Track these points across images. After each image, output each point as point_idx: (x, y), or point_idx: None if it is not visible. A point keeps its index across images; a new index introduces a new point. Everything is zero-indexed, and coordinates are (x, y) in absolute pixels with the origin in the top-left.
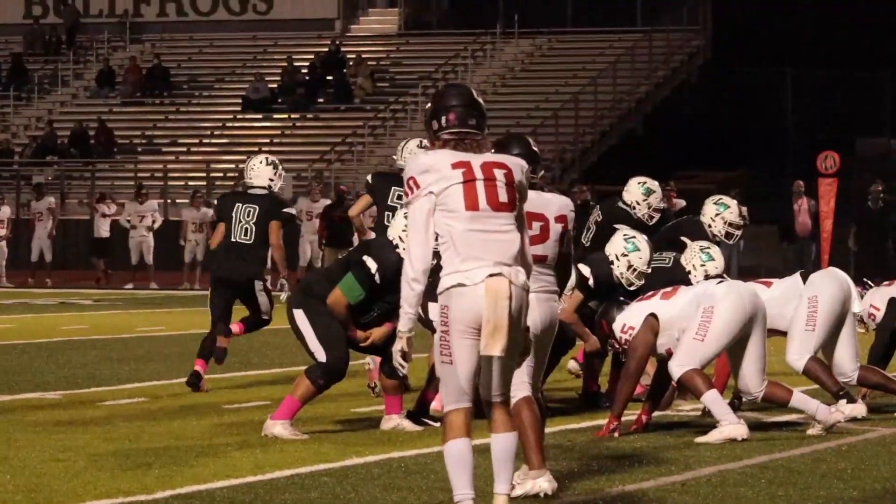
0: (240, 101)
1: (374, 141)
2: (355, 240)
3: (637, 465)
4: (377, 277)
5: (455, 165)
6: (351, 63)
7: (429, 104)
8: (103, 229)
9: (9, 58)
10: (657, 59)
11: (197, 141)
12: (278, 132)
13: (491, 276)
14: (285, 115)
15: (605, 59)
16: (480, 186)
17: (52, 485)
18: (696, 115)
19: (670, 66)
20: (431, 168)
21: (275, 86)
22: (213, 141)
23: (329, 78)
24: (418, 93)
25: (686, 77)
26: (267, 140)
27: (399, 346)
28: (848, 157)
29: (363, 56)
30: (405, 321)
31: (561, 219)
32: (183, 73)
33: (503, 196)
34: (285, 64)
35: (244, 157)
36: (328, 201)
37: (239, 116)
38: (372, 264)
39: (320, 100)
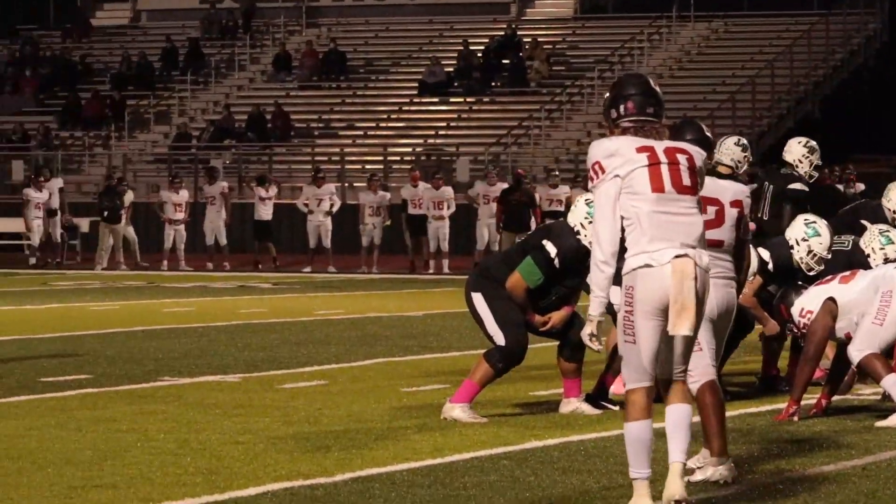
0: (416, 84)
1: (550, 125)
2: (533, 224)
3: (817, 450)
4: (556, 261)
5: (640, 149)
6: (527, 47)
7: (607, 94)
8: (264, 212)
9: (186, 42)
10: (834, 43)
11: (374, 124)
12: (455, 116)
13: (677, 256)
14: (461, 99)
15: (781, 43)
16: (665, 169)
17: (232, 467)
18: (874, 99)
19: (847, 49)
20: (616, 152)
21: (451, 69)
22: (391, 125)
23: (505, 62)
24: (594, 76)
25: (863, 60)
26: (444, 124)
27: (589, 329)
28: None
29: (538, 40)
30: (595, 304)
31: (736, 203)
32: (359, 57)
33: (686, 179)
34: (461, 48)
35: (421, 141)
36: (505, 185)
37: (416, 100)
38: (551, 248)
39: (496, 83)
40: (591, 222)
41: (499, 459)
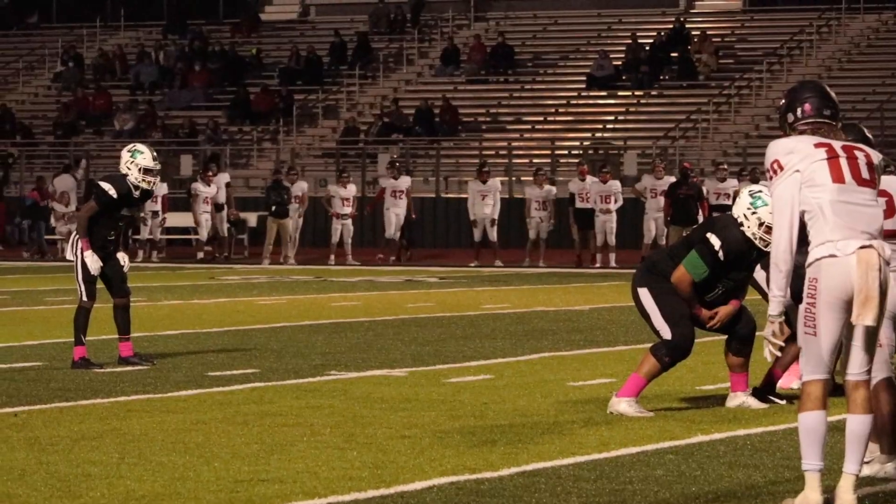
0: (584, 78)
1: (718, 118)
2: (700, 217)
3: None
4: (721, 254)
5: (818, 145)
6: (695, 40)
7: (782, 100)
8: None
9: (354, 36)
10: None
11: (542, 119)
12: (623, 109)
13: (862, 248)
14: (629, 93)
15: None
16: (844, 162)
17: (398, 461)
18: None
19: None
20: (795, 149)
21: (619, 63)
22: (558, 118)
23: (673, 55)
24: (762, 69)
25: None
26: (611, 118)
27: (770, 329)
28: None
29: (707, 33)
30: (774, 305)
31: None
32: (527, 51)
33: (865, 173)
34: (629, 41)
35: (589, 135)
36: (672, 179)
37: (583, 94)
38: (715, 241)
39: (664, 77)
40: (753, 213)
41: (664, 454)
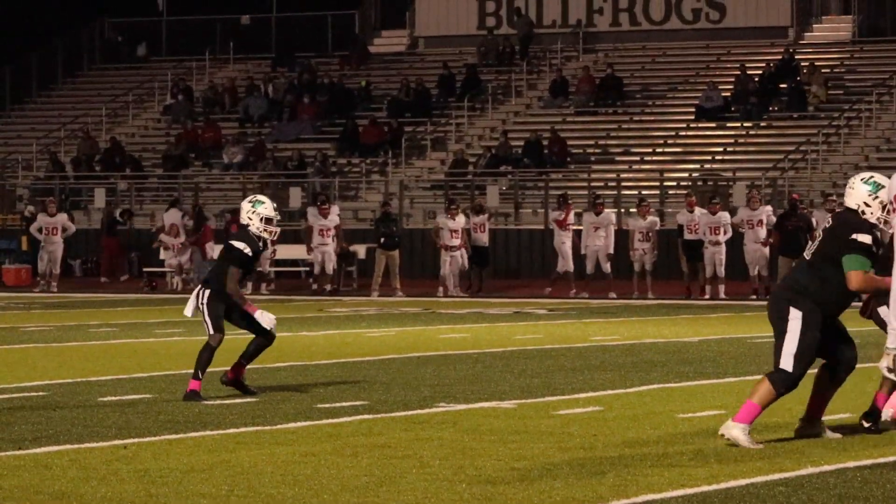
0: (693, 109)
1: (828, 149)
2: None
3: None
4: (874, 248)
5: None
6: (805, 70)
7: None
8: (480, 239)
9: (463, 69)
10: None
11: (650, 150)
12: (731, 140)
13: None
14: (738, 124)
15: None
16: None
17: (507, 493)
18: None
19: None
20: None
21: (728, 94)
22: (667, 150)
23: (782, 86)
24: (872, 100)
25: None
26: (720, 149)
27: (885, 362)
28: None
29: (816, 63)
30: (893, 337)
31: None
32: (636, 82)
33: None
34: (738, 72)
35: (698, 166)
36: (768, 209)
37: (692, 125)
38: (865, 238)
39: (773, 108)
40: (875, 198)
41: (774, 486)
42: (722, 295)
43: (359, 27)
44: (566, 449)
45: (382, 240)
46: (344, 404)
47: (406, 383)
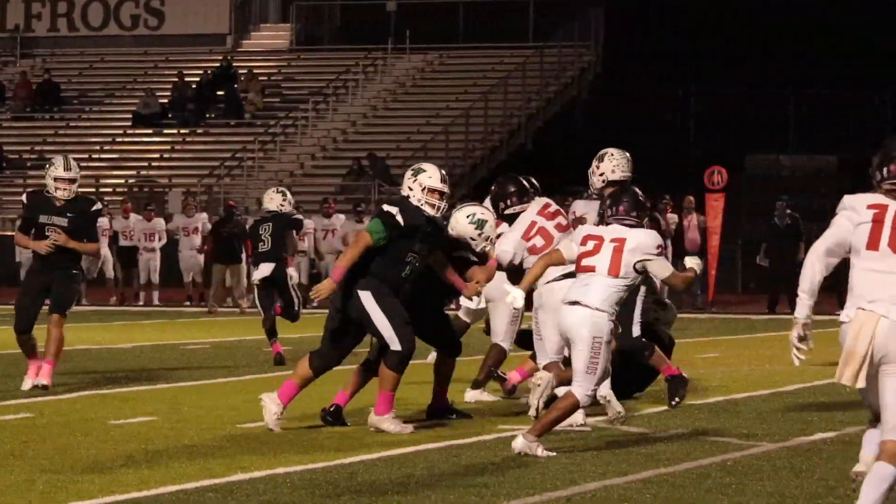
0: (130, 116)
1: (263, 156)
2: (243, 255)
3: None
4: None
5: (870, 206)
6: (242, 78)
7: (875, 157)
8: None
9: None
10: (548, 75)
11: (87, 156)
12: (168, 147)
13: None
14: (175, 130)
15: (496, 75)
16: (887, 230)
17: None
18: (587, 131)
19: (561, 82)
20: (850, 206)
21: (165, 101)
22: (103, 156)
23: (220, 93)
24: (308, 108)
25: (577, 93)
26: (157, 155)
27: (795, 333)
28: (737, 172)
29: (254, 71)
30: (801, 307)
31: None
32: (73, 88)
33: None
34: (176, 79)
35: (133, 173)
36: (205, 216)
37: (129, 131)
38: (393, 208)
39: (210, 115)
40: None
41: (205, 492)
42: (156, 301)
43: None
44: None
45: None
46: None
47: None
